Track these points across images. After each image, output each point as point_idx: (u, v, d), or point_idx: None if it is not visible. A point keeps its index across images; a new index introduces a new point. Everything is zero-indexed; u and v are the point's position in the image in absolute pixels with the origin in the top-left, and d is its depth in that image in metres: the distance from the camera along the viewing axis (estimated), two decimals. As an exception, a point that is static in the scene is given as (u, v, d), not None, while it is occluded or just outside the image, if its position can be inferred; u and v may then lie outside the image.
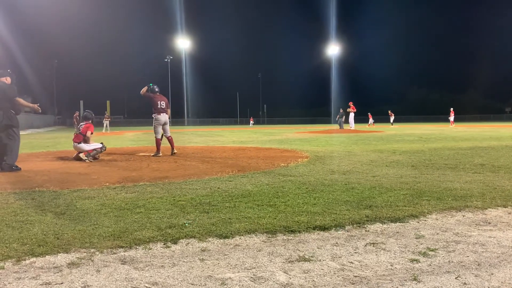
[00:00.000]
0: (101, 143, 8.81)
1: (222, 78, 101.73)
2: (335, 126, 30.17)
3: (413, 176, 5.70)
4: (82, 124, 8.81)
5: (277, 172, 6.28)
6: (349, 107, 27.65)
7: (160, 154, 9.04)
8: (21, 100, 7.11)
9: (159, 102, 9.25)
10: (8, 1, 55.53)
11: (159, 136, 9.32)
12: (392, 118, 44.12)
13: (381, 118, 54.27)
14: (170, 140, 9.42)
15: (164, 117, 9.36)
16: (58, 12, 76.40)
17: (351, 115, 27.54)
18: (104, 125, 33.16)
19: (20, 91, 7.52)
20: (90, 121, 8.98)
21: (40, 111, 7.43)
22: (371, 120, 45.75)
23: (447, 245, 2.79)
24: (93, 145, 8.58)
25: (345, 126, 27.43)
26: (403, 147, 11.03)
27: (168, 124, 9.55)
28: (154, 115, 9.33)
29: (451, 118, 37.58)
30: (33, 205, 4.07)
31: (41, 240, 2.90)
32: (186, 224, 3.29)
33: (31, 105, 7.33)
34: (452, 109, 38.37)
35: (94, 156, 8.44)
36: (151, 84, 9.44)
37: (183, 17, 78.77)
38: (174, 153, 9.22)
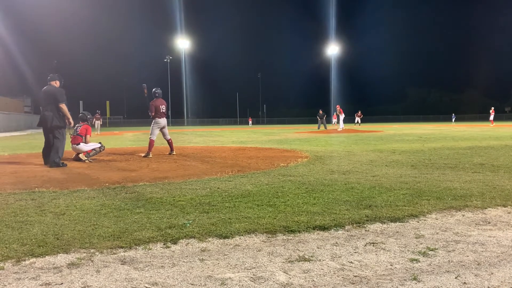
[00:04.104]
0: (100, 142, 8.81)
1: (221, 78, 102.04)
2: (336, 126, 30.66)
3: (412, 176, 5.70)
4: (79, 126, 8.78)
5: (276, 172, 6.28)
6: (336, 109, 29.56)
7: (150, 156, 9.07)
8: (64, 107, 7.44)
9: (160, 107, 9.52)
10: (8, 1, 55.49)
11: (154, 138, 9.44)
12: (358, 119, 43.02)
13: (382, 118, 54.05)
14: (170, 143, 9.69)
15: (164, 121, 9.64)
16: (58, 12, 76.55)
17: (341, 117, 29.38)
18: (96, 125, 29.37)
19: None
20: (86, 123, 8.98)
21: (72, 125, 7.79)
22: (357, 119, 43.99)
23: (447, 245, 2.80)
24: (92, 145, 8.57)
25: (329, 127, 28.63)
26: (403, 147, 11.04)
27: (166, 127, 9.75)
28: (155, 118, 9.49)
29: (491, 117, 37.22)
30: (33, 205, 4.06)
31: (40, 240, 2.90)
32: (187, 224, 3.29)
33: (69, 115, 7.56)
34: (493, 108, 37.83)
35: (92, 156, 8.44)
36: (144, 84, 9.72)
37: (182, 17, 78.95)
38: (173, 154, 9.36)
